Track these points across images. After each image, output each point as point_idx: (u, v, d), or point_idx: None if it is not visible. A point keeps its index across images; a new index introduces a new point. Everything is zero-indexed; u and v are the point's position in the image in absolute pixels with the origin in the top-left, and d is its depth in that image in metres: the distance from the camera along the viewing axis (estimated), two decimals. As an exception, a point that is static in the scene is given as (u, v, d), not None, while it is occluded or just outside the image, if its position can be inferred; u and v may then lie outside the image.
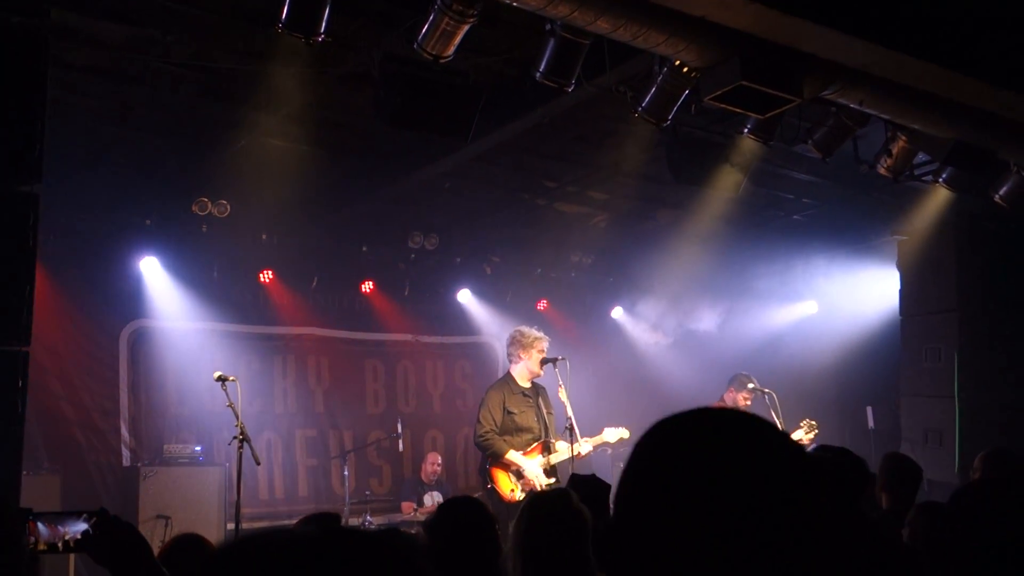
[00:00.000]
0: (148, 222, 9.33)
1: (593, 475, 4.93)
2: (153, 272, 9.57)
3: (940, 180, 7.89)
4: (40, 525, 2.68)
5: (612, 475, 10.44)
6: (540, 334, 8.11)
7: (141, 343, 9.79)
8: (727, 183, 7.96)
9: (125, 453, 9.43)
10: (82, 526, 2.68)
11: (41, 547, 2.69)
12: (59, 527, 2.71)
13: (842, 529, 1.19)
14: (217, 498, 8.89)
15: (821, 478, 1.14)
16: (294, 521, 6.36)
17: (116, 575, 2.58)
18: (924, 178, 8.28)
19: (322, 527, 0.92)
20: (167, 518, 8.45)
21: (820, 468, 1.16)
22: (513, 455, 7.77)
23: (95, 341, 9.47)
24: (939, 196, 8.53)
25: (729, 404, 9.50)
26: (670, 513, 1.11)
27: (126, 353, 9.67)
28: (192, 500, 8.70)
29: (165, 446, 9.24)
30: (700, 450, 1.14)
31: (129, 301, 9.61)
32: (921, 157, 7.80)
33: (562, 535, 3.22)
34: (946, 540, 3.97)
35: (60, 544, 2.70)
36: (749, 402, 9.17)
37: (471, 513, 4.10)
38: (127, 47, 6.68)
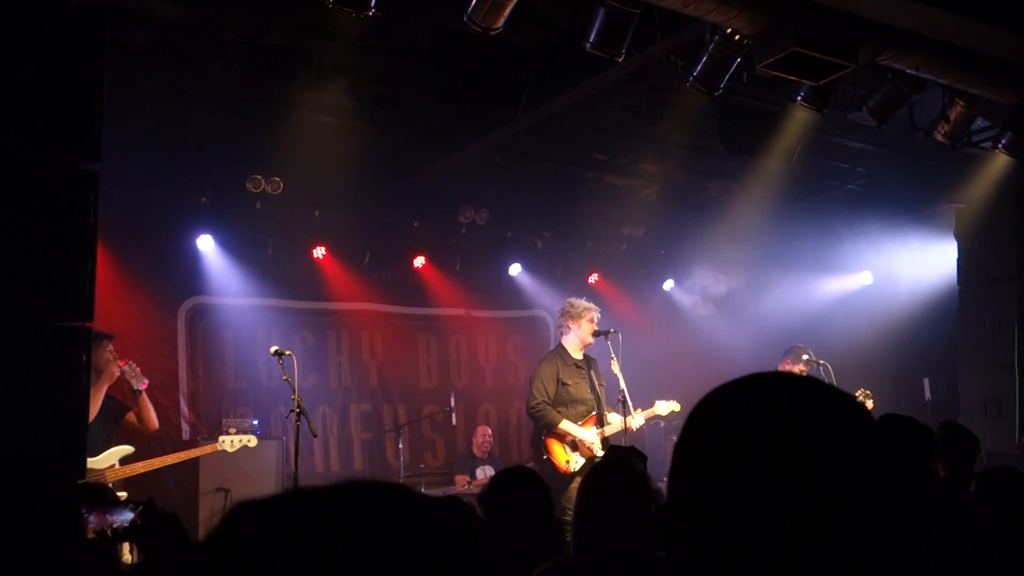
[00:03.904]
0: (204, 200, 9.45)
1: (632, 447, 4.94)
2: (209, 249, 9.71)
3: (999, 146, 7.73)
4: (90, 514, 2.75)
5: (664, 448, 10.43)
6: (590, 304, 8.13)
7: (199, 319, 9.93)
8: (780, 153, 7.88)
9: (184, 427, 9.60)
10: (129, 515, 2.74)
11: (91, 534, 2.76)
12: (108, 515, 2.77)
13: (910, 493, 1.11)
14: (275, 471, 9.03)
15: (882, 435, 1.11)
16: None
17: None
18: (983, 144, 8.12)
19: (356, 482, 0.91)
20: (227, 491, 8.61)
21: (880, 426, 1.12)
22: (567, 425, 7.79)
23: (154, 318, 9.62)
24: (999, 162, 8.37)
25: (784, 376, 9.42)
26: (724, 480, 1.07)
27: (184, 329, 9.82)
28: (250, 473, 8.84)
29: (224, 420, 9.37)
30: (754, 412, 1.10)
31: (186, 278, 9.74)
32: (980, 123, 7.65)
33: (625, 499, 3.23)
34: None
35: (109, 532, 2.77)
36: (805, 374, 9.11)
37: (524, 482, 4.13)
38: (180, 26, 6.75)
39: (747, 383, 1.17)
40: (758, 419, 1.09)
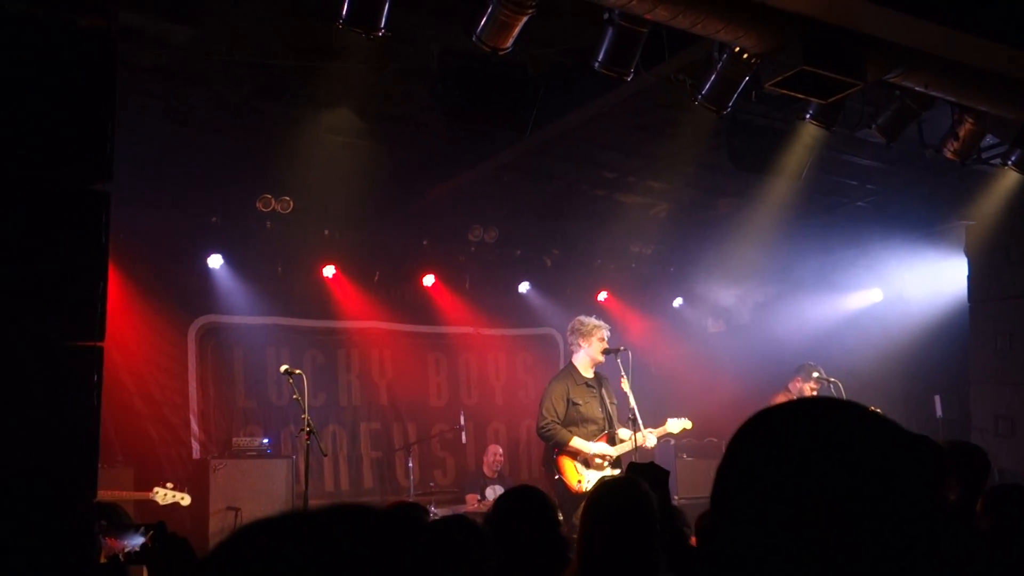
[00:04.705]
0: (214, 219, 9.50)
1: (652, 462, 4.92)
2: (219, 268, 9.75)
3: (1009, 163, 7.71)
4: (101, 537, 2.74)
5: (675, 465, 10.40)
6: (600, 322, 8.12)
7: (209, 338, 9.96)
8: (789, 170, 7.89)
9: (195, 446, 9.62)
10: (140, 539, 2.74)
11: (103, 558, 2.75)
12: (120, 539, 2.77)
13: (944, 516, 1.15)
14: (285, 489, 9.03)
15: (929, 457, 1.13)
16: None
17: None
18: (992, 161, 8.11)
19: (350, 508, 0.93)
20: (237, 510, 8.61)
21: (924, 447, 1.15)
22: (578, 442, 7.77)
23: (165, 337, 9.65)
24: (1008, 179, 8.36)
25: (795, 394, 9.40)
26: (768, 499, 1.11)
27: (194, 348, 9.85)
28: (261, 491, 8.84)
29: (234, 439, 9.40)
30: (803, 436, 1.14)
31: (197, 297, 9.79)
32: (989, 140, 7.63)
33: (628, 519, 3.23)
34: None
35: (121, 556, 2.77)
36: (816, 392, 9.06)
37: (530, 501, 4.12)
38: (190, 47, 6.80)
39: (791, 408, 1.22)
40: (801, 443, 1.13)
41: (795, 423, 1.17)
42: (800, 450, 1.11)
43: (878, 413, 1.19)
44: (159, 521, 2.78)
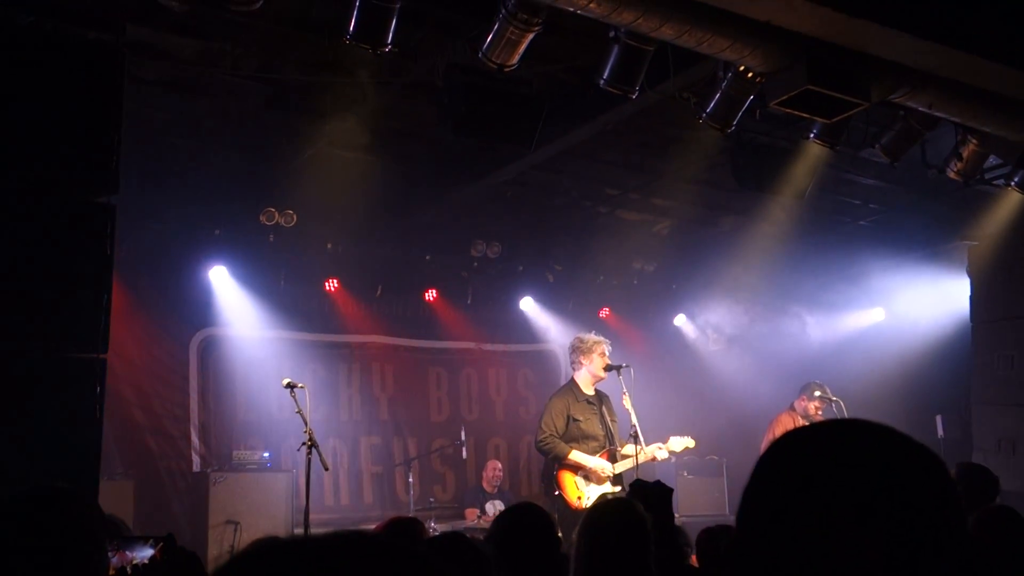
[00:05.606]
0: (217, 232, 9.49)
1: (658, 480, 4.90)
2: (222, 281, 9.74)
3: (1012, 183, 7.73)
4: (111, 550, 2.73)
5: (676, 483, 10.37)
6: (599, 337, 8.08)
7: (210, 351, 9.95)
8: (792, 189, 7.90)
9: (195, 459, 9.59)
10: (149, 551, 2.73)
11: (111, 571, 2.74)
12: (127, 552, 2.76)
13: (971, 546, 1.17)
14: (285, 504, 9.00)
15: (948, 477, 1.16)
16: (359, 527, 6.39)
17: None
18: (996, 182, 8.13)
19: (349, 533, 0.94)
20: (236, 523, 8.58)
21: (944, 466, 1.16)
22: (577, 455, 7.73)
23: (166, 349, 9.64)
24: (1011, 200, 8.37)
25: (799, 412, 9.38)
26: (795, 523, 1.12)
27: (196, 361, 9.83)
28: (261, 505, 8.82)
29: (234, 452, 9.36)
30: (830, 459, 1.16)
31: (199, 310, 9.77)
32: (992, 160, 7.65)
33: (624, 541, 3.22)
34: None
35: (129, 568, 2.76)
36: (820, 411, 9.05)
37: (531, 518, 4.11)
38: (196, 60, 6.82)
39: (817, 430, 1.25)
40: (828, 466, 1.15)
41: (822, 446, 1.18)
42: (827, 473, 1.13)
43: (904, 435, 1.20)
44: (168, 534, 2.76)
